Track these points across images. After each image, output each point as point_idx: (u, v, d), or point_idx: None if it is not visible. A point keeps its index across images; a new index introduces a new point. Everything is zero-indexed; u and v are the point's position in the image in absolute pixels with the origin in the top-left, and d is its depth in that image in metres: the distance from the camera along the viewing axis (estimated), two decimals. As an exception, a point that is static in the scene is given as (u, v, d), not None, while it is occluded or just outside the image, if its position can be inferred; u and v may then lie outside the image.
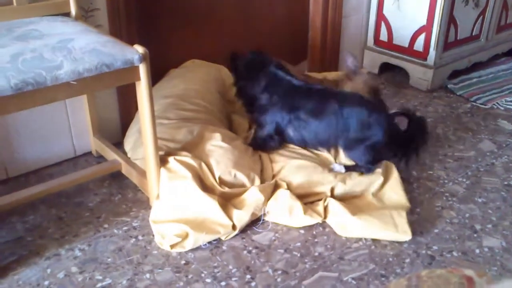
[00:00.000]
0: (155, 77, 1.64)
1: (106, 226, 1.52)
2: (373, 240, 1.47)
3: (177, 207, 1.48)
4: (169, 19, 2.05)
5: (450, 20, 2.43)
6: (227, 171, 1.55)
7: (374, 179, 1.61)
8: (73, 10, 1.59)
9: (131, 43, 1.37)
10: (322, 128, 1.65)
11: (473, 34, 2.63)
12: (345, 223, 1.48)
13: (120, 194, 1.67)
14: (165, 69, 2.05)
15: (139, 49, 1.32)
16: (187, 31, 2.12)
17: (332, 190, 1.58)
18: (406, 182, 1.73)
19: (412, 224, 1.52)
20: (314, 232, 1.50)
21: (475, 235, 1.51)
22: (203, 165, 1.54)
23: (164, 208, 1.49)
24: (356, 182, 1.60)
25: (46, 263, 1.38)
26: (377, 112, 1.64)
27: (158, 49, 1.92)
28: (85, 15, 1.69)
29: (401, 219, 1.47)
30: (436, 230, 1.52)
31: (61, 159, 1.82)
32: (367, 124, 1.62)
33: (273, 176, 1.63)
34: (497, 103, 2.37)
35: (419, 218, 1.57)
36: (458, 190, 1.72)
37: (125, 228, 1.51)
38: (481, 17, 2.61)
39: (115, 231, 1.50)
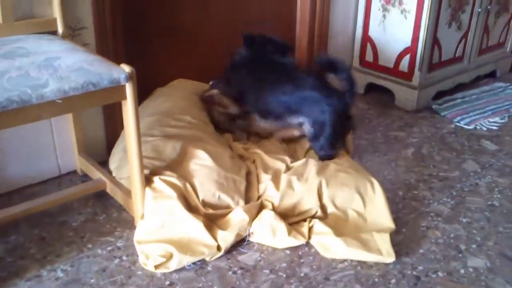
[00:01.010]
0: (141, 96, 1.64)
1: (90, 246, 1.50)
2: (359, 260, 1.46)
3: (161, 227, 1.47)
4: (156, 38, 2.06)
5: (434, 41, 2.47)
6: (211, 193, 1.55)
7: (357, 197, 1.61)
8: (60, 28, 1.59)
9: (118, 62, 1.37)
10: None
11: (456, 55, 2.68)
12: (329, 244, 1.48)
13: (104, 213, 1.65)
14: (152, 88, 2.05)
15: (126, 68, 1.32)
16: (174, 50, 2.13)
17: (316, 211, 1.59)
18: (392, 202, 1.74)
19: (398, 244, 1.52)
20: (300, 253, 1.50)
21: (460, 255, 1.51)
22: (188, 185, 1.53)
23: (148, 228, 1.47)
24: (341, 202, 1.61)
25: (26, 284, 1.35)
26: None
27: (145, 68, 1.91)
28: (72, 33, 1.69)
29: (384, 242, 1.47)
30: (421, 251, 1.52)
31: (45, 178, 1.80)
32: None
33: (259, 197, 1.63)
34: (480, 123, 2.41)
35: (404, 238, 1.57)
36: (443, 210, 1.73)
37: (109, 248, 1.49)
38: (463, 39, 2.66)
39: (99, 251, 1.48)
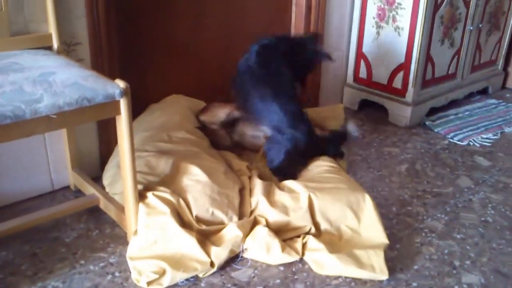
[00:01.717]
0: (135, 111, 1.64)
1: (82, 262, 1.48)
2: (353, 277, 1.46)
3: (154, 243, 1.46)
4: (151, 54, 2.07)
5: (427, 58, 2.50)
6: (205, 209, 1.54)
7: (349, 213, 1.61)
8: (55, 44, 1.59)
9: (113, 77, 1.37)
10: None
11: (449, 72, 2.71)
12: (322, 261, 1.47)
13: (97, 229, 1.64)
14: (146, 103, 2.05)
15: (121, 83, 1.33)
16: (168, 66, 2.14)
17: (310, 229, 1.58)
18: (386, 218, 1.74)
19: (392, 260, 1.52)
20: (294, 269, 1.49)
21: (454, 271, 1.51)
22: (181, 201, 1.52)
23: (141, 244, 1.46)
24: (334, 219, 1.61)
25: (18, 301, 1.34)
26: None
27: (140, 83, 1.92)
28: (67, 49, 1.70)
29: (378, 259, 1.46)
30: (415, 267, 1.52)
31: (38, 193, 1.79)
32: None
33: (251, 212, 1.62)
34: (473, 139, 2.42)
35: (398, 254, 1.57)
36: (437, 226, 1.73)
37: (101, 264, 1.48)
38: (456, 56, 2.69)
39: (91, 267, 1.46)
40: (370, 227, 1.58)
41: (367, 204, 1.61)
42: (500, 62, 3.11)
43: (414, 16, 2.37)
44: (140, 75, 2.04)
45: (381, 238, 1.55)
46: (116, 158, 1.76)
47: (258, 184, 1.69)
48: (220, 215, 1.55)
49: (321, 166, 1.84)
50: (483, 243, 1.65)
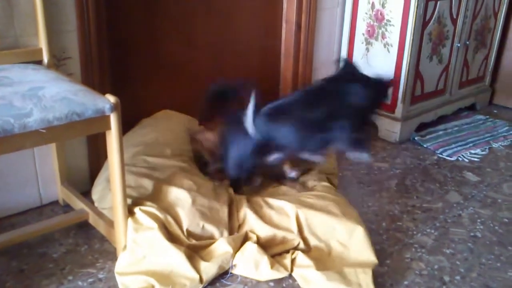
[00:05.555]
0: (126, 126, 1.64)
1: (70, 278, 1.47)
2: (343, 292, 1.45)
3: (143, 258, 1.45)
4: (142, 69, 2.08)
5: (416, 74, 2.53)
6: (195, 222, 1.54)
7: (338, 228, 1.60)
8: (45, 58, 1.59)
9: (103, 92, 1.37)
10: None
11: (438, 88, 2.74)
12: (309, 278, 1.46)
13: (86, 244, 1.62)
14: (137, 118, 2.05)
15: (111, 98, 1.33)
16: (160, 81, 2.15)
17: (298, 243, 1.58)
18: (376, 233, 1.74)
19: (382, 276, 1.52)
20: (284, 285, 1.48)
21: (444, 287, 1.51)
22: (169, 216, 1.51)
23: (130, 259, 1.45)
24: (322, 233, 1.60)
25: (3, 318, 1.31)
26: None
27: (130, 98, 1.92)
28: (58, 63, 1.69)
29: (366, 277, 1.45)
30: (406, 282, 1.52)
31: (26, 208, 1.77)
32: None
33: (239, 226, 1.62)
34: (462, 155, 2.44)
35: (389, 270, 1.57)
36: (427, 241, 1.74)
37: (90, 280, 1.46)
38: (444, 72, 2.72)
39: (80, 283, 1.45)
40: (360, 246, 1.56)
41: (358, 234, 1.58)
42: (487, 79, 3.15)
43: (403, 32, 2.40)
44: (131, 90, 2.04)
45: (370, 257, 1.54)
46: (105, 172, 1.75)
47: (244, 199, 1.69)
48: (211, 229, 1.55)
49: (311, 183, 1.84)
50: (473, 258, 1.66)
